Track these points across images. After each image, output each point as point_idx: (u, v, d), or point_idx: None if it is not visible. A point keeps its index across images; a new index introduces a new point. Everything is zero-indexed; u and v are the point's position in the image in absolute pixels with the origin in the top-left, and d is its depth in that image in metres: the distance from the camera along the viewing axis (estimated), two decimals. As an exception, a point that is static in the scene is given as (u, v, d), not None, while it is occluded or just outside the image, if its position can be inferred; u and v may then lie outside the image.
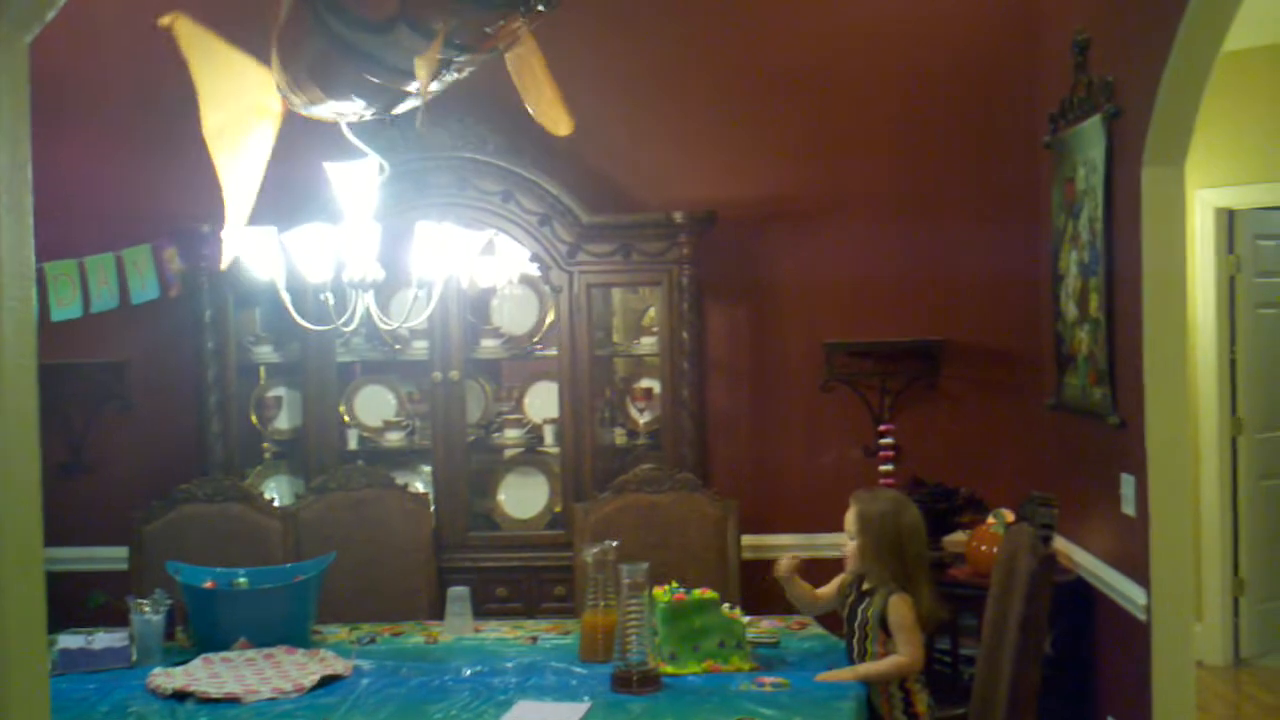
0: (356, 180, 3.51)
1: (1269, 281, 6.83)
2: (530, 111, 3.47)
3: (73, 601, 4.53)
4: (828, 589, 3.89)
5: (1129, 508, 4.36)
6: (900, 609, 3.57)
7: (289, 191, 4.61)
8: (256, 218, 3.66)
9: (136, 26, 5.50)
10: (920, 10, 5.52)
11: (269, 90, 3.50)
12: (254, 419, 5.56)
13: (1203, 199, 6.59)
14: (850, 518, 3.71)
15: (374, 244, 3.62)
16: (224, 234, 3.72)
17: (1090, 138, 4.54)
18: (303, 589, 4.04)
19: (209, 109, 3.60)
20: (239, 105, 3.58)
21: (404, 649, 4.03)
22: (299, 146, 3.85)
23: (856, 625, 3.67)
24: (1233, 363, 6.70)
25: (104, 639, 3.84)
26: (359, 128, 3.56)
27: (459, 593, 4.24)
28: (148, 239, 5.22)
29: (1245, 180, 6.56)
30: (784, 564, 3.82)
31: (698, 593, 3.70)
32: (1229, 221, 6.65)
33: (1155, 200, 4.15)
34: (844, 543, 3.73)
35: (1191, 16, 3.67)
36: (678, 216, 5.15)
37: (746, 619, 3.81)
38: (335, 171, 3.51)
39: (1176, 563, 4.19)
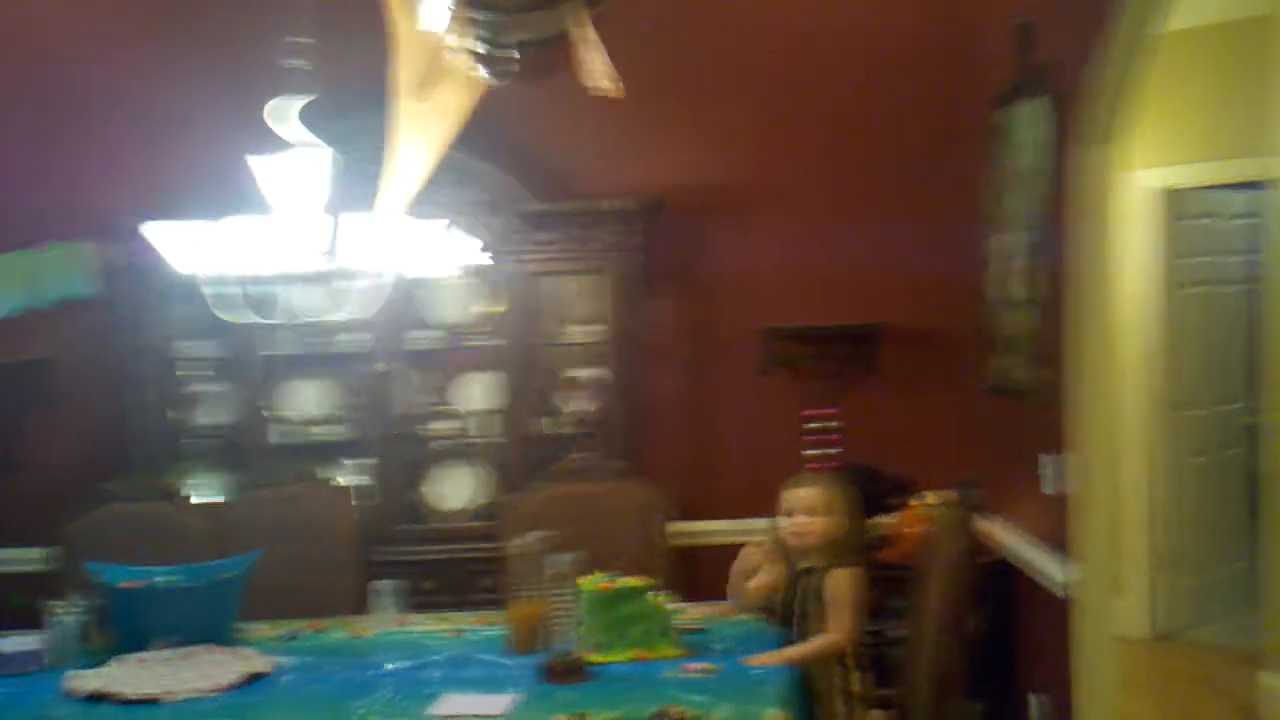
0: (290, 173, 3.40)
1: (1201, 261, 6.86)
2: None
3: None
4: (759, 580, 3.86)
5: (1053, 486, 4.37)
6: (839, 582, 3.56)
7: (221, 183, 4.51)
8: (183, 210, 3.56)
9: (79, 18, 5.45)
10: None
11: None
12: (177, 416, 5.46)
13: (1140, 177, 6.58)
14: (815, 495, 3.69)
15: (324, 236, 3.50)
16: (381, 207, 3.59)
17: (1029, 120, 4.53)
18: (225, 587, 3.96)
19: (404, 60, 3.47)
20: (435, 65, 3.43)
21: (328, 644, 3.96)
22: (233, 136, 3.75)
23: (797, 604, 3.65)
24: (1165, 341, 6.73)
25: (15, 642, 3.75)
26: (307, 117, 3.46)
27: (384, 586, 4.18)
28: (72, 234, 5.11)
29: (1184, 159, 6.56)
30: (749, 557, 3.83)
31: (623, 580, 3.66)
32: (1165, 202, 6.67)
33: (1090, 182, 4.14)
34: (798, 521, 3.70)
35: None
36: (622, 204, 5.12)
37: (673, 606, 3.77)
38: (263, 163, 3.40)
39: (1098, 540, 4.20)
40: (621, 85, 3.15)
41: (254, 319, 3.62)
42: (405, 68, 3.42)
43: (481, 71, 3.18)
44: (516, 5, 2.74)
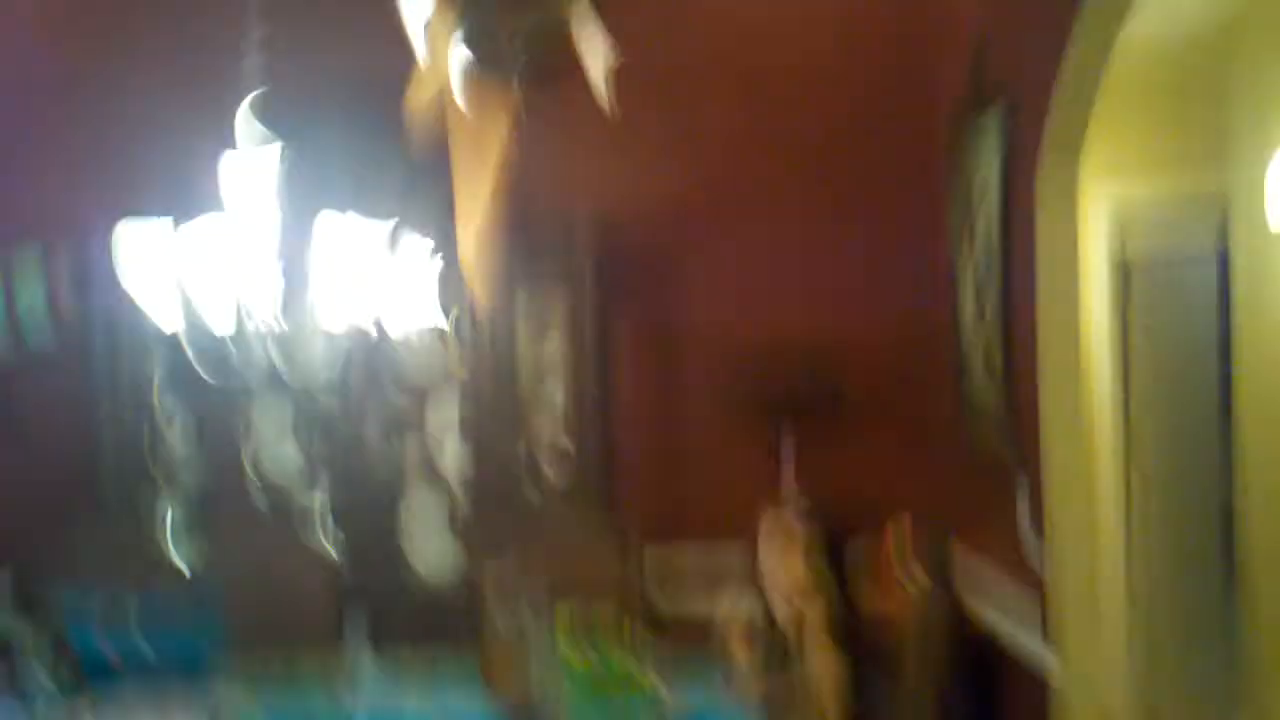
0: (253, 172, 3.40)
1: (1163, 277, 6.82)
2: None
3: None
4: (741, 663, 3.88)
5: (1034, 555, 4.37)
6: (827, 668, 3.60)
7: (188, 187, 4.48)
8: (150, 211, 3.54)
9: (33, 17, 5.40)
10: (820, 12, 5.54)
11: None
12: (148, 452, 5.37)
13: (1099, 194, 6.55)
14: (804, 575, 3.74)
15: (274, 243, 3.50)
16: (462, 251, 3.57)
17: (987, 140, 4.60)
18: (197, 634, 3.89)
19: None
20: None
21: (303, 694, 3.95)
22: (195, 136, 3.74)
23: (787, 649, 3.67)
24: (1126, 360, 6.70)
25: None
26: (259, 117, 3.46)
27: (360, 639, 4.15)
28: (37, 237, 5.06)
29: (1144, 175, 6.53)
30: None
31: (614, 661, 3.62)
32: (1124, 217, 6.66)
33: (1049, 200, 4.20)
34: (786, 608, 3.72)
35: (1087, 12, 3.73)
36: (575, 223, 5.13)
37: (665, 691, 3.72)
38: (231, 161, 3.40)
39: (1078, 609, 4.25)
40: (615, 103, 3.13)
41: (230, 379, 3.61)
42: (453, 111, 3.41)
43: (482, 71, 3.16)
44: None
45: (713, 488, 5.53)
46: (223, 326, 3.46)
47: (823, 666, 3.55)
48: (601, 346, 5.31)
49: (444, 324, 5.10)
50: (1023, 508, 4.35)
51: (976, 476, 5.04)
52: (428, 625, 5.05)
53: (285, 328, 3.54)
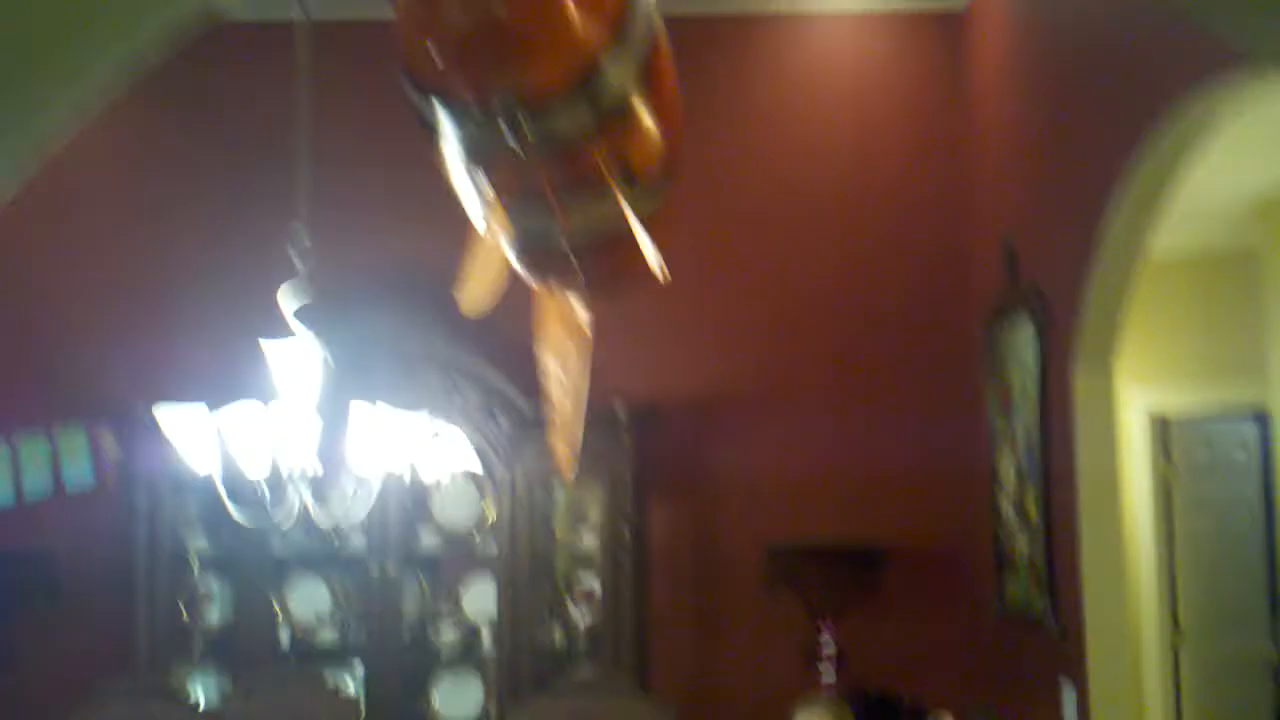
0: (294, 360, 3.50)
1: (1205, 488, 6.84)
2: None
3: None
4: None
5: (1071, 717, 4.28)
6: None
7: (228, 372, 4.61)
8: (189, 394, 3.64)
9: (75, 203, 5.64)
10: (857, 205, 5.68)
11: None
12: (184, 613, 5.41)
13: (1137, 405, 6.64)
14: None
15: (314, 434, 3.58)
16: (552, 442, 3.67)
17: (1022, 342, 4.63)
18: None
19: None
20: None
21: None
22: (238, 326, 3.86)
23: None
24: (1172, 572, 6.66)
25: None
26: (301, 312, 3.57)
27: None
28: (81, 417, 5.17)
29: (1180, 387, 6.62)
30: None
31: None
32: (1164, 428, 6.70)
33: (1087, 406, 4.21)
34: None
35: (1115, 219, 3.80)
36: (619, 410, 5.18)
37: None
38: (273, 349, 3.50)
39: None
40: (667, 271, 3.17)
41: (266, 520, 3.65)
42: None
43: (543, 277, 3.22)
44: (559, 183, 2.76)
45: (749, 677, 5.46)
46: (257, 470, 3.51)
47: None
48: (639, 534, 5.29)
49: (478, 469, 5.16)
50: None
51: (1018, 679, 4.93)
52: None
53: (319, 471, 3.57)
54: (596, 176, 2.69)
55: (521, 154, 2.55)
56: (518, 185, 2.77)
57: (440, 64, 2.47)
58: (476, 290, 2.96)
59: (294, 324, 3.57)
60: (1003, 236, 4.89)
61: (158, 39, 2.20)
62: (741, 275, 5.66)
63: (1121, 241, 3.85)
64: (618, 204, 2.75)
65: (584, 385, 3.48)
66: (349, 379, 4.74)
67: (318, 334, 3.62)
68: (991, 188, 5.30)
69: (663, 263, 2.89)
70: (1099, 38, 4.00)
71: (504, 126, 2.50)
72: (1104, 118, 3.95)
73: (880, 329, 5.62)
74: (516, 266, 3.21)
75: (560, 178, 2.71)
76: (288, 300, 3.52)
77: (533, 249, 3.04)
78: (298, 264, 3.51)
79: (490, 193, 2.79)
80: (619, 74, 2.59)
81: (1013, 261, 4.78)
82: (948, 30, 5.72)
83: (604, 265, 3.02)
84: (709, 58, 5.49)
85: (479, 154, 2.67)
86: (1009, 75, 5.11)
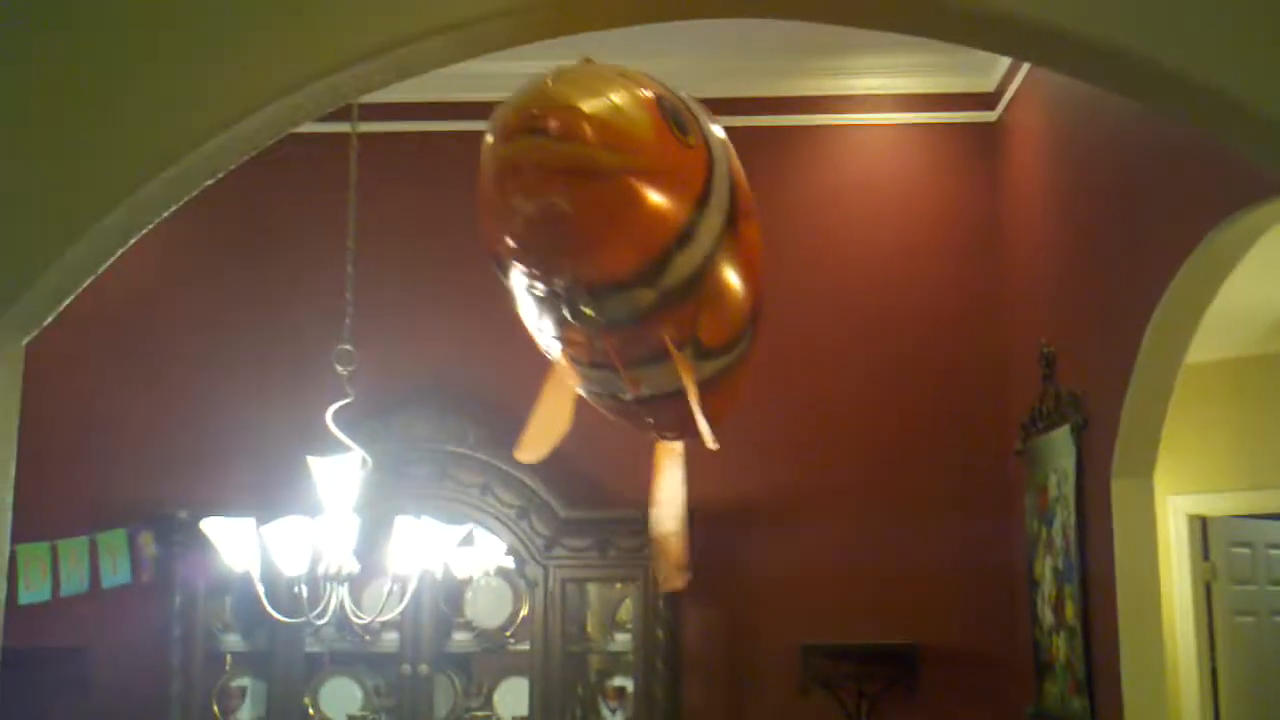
0: (338, 474, 3.53)
1: (1245, 589, 6.81)
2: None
3: None
4: None
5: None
6: None
7: (268, 481, 4.66)
8: (233, 506, 3.67)
9: (124, 314, 5.72)
10: (894, 311, 5.71)
11: None
12: (216, 710, 5.40)
13: (1175, 505, 6.65)
14: None
15: (352, 536, 3.61)
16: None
17: (1059, 448, 4.63)
18: None
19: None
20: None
21: None
22: (283, 436, 3.91)
23: None
24: (1214, 672, 6.61)
25: None
26: (341, 418, 3.61)
27: None
28: (123, 522, 5.21)
29: (1216, 488, 6.63)
30: None
31: None
32: (1202, 529, 6.69)
33: (1126, 511, 4.21)
34: None
35: (1154, 332, 3.82)
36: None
37: None
38: (318, 465, 3.53)
39: None
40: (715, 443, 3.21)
41: (303, 618, 3.67)
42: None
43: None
44: (625, 353, 2.79)
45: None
46: (295, 569, 3.53)
47: None
48: (673, 634, 5.27)
49: (509, 564, 5.17)
50: None
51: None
52: None
53: (356, 569, 3.59)
54: (659, 346, 2.73)
55: (584, 330, 2.58)
56: (586, 351, 2.81)
57: (509, 244, 2.51)
58: (538, 441, 3.02)
59: (336, 431, 3.61)
60: (1039, 344, 4.90)
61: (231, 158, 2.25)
62: (778, 380, 5.67)
63: (1160, 351, 3.87)
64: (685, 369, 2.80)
65: (681, 504, 3.55)
66: (388, 479, 4.79)
67: (358, 437, 3.65)
68: (1027, 295, 5.33)
69: (713, 434, 2.94)
70: (1136, 154, 4.04)
71: (566, 308, 2.53)
72: (1144, 233, 3.98)
73: (917, 433, 5.62)
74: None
75: (626, 348, 2.75)
76: (335, 418, 3.56)
77: (603, 401, 3.09)
78: (345, 386, 3.53)
79: (560, 350, 2.82)
80: (690, 257, 2.63)
81: (1050, 368, 4.79)
82: (982, 140, 5.79)
83: (674, 414, 3.05)
84: (746, 167, 5.55)
85: (547, 320, 2.70)
86: (1044, 185, 5.17)
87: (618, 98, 2.46)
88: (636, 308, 2.67)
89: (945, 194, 5.83)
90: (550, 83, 2.44)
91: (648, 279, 2.62)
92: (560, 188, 2.38)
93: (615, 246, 2.54)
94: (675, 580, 3.72)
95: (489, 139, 2.45)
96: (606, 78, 2.53)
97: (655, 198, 2.50)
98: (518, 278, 2.62)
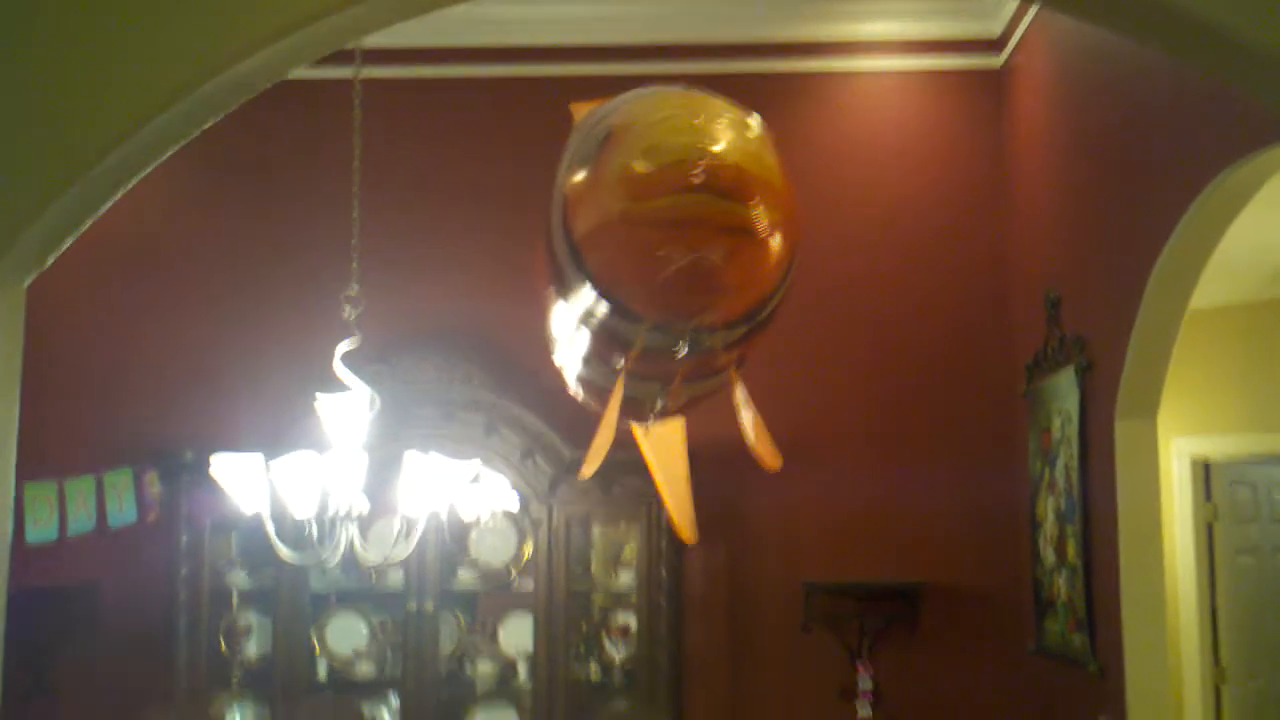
0: (346, 413, 3.54)
1: (1247, 529, 6.85)
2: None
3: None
4: None
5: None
6: None
7: (274, 420, 4.67)
8: (239, 444, 3.68)
9: (131, 254, 5.72)
10: (899, 257, 5.70)
11: None
12: (223, 645, 5.46)
13: (1179, 447, 6.67)
14: None
15: (361, 474, 3.62)
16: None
17: (1064, 390, 4.64)
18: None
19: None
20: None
21: None
22: (289, 377, 3.91)
23: None
24: (1214, 611, 6.66)
25: None
26: (348, 359, 3.61)
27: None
28: (129, 461, 5.24)
29: (1220, 430, 6.65)
30: None
31: None
32: (1205, 471, 6.72)
33: (1129, 451, 4.22)
34: None
35: (1159, 276, 3.82)
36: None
37: None
38: (326, 403, 3.54)
39: None
40: (778, 456, 3.24)
41: (311, 558, 3.69)
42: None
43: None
44: (690, 374, 2.89)
45: (785, 713, 5.50)
46: (305, 510, 3.54)
47: None
48: (676, 573, 5.31)
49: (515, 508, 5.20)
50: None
51: (1050, 693, 4.93)
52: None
53: (366, 510, 3.61)
54: (722, 368, 2.81)
55: (681, 359, 2.65)
56: (651, 370, 2.88)
57: (646, 287, 2.53)
58: (599, 457, 3.10)
59: (343, 372, 3.61)
60: (1045, 288, 4.89)
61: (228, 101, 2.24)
62: (784, 325, 5.62)
63: (1165, 294, 3.86)
64: (722, 381, 2.89)
65: (684, 463, 3.60)
66: (394, 421, 4.81)
67: (365, 378, 3.65)
68: (1033, 240, 5.31)
69: (773, 449, 3.01)
70: (1142, 99, 4.01)
71: (682, 344, 2.59)
72: (1150, 177, 3.97)
73: (922, 376, 5.63)
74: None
75: (694, 371, 2.83)
76: (342, 359, 3.56)
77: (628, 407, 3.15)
78: (353, 327, 3.54)
79: (619, 366, 2.87)
80: (779, 296, 2.74)
81: (1055, 312, 4.79)
82: (986, 86, 5.75)
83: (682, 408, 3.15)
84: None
85: (632, 346, 2.76)
86: (1048, 131, 5.13)
87: (758, 144, 2.54)
88: (731, 338, 2.81)
89: (951, 139, 5.79)
90: (700, 123, 2.47)
91: (755, 315, 2.77)
92: (721, 246, 2.45)
93: (750, 293, 2.67)
94: (687, 536, 3.79)
95: (633, 167, 2.46)
96: (738, 121, 2.59)
97: (787, 244, 2.61)
98: (627, 316, 2.65)
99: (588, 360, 3.14)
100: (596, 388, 3.36)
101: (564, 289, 2.84)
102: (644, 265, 2.53)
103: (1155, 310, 3.90)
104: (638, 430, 3.76)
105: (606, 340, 2.90)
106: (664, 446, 3.87)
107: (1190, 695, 6.55)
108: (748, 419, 3.00)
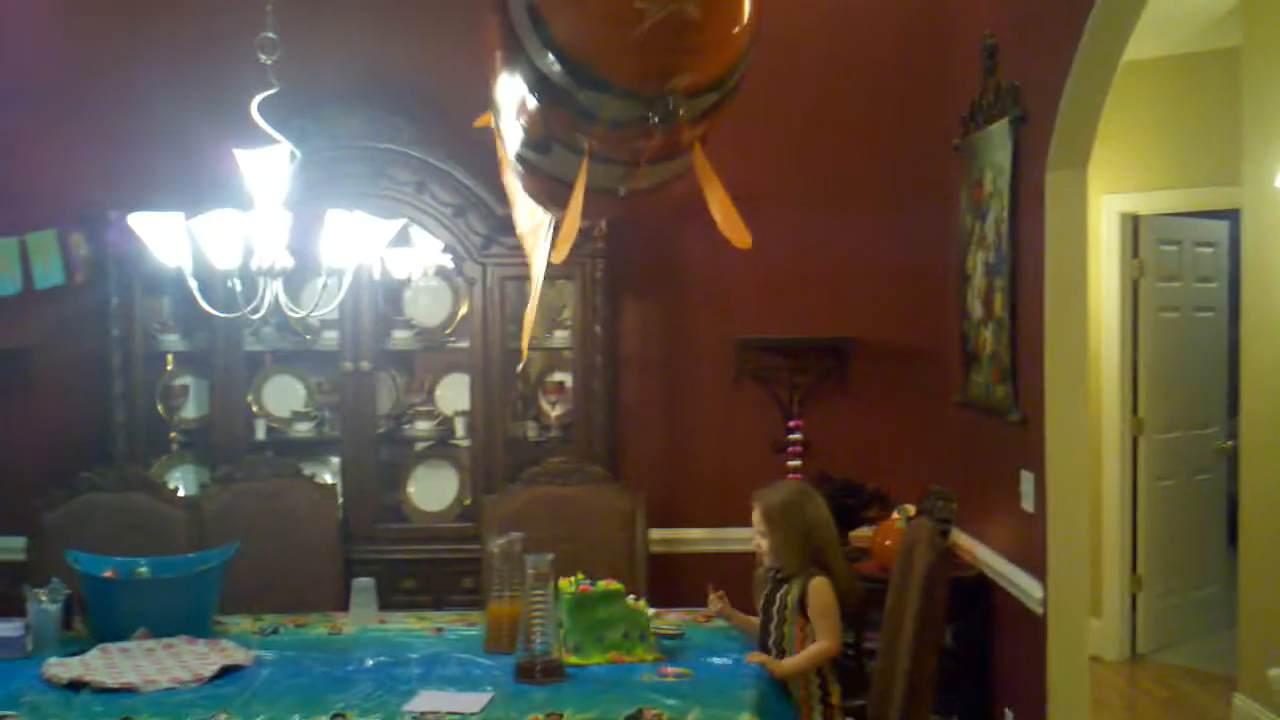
0: (267, 167, 3.47)
1: (1171, 286, 6.99)
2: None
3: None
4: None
5: (1028, 504, 4.45)
6: (821, 592, 3.58)
7: (198, 177, 4.57)
8: (163, 203, 3.61)
9: (57, 13, 5.48)
10: (834, 7, 5.57)
11: None
12: (160, 408, 5.48)
13: (1108, 204, 6.74)
14: (756, 517, 3.74)
15: (284, 232, 3.58)
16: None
17: (997, 141, 4.63)
18: (205, 579, 3.99)
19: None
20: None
21: (307, 639, 3.99)
22: (208, 131, 3.81)
23: (774, 611, 3.69)
24: (1135, 365, 6.85)
25: (-1, 628, 3.77)
26: (269, 114, 3.52)
27: (364, 583, 4.21)
28: (53, 223, 5.14)
29: (1150, 187, 6.72)
30: (713, 605, 3.94)
31: (603, 584, 3.71)
32: (1134, 226, 6.81)
33: (1058, 203, 4.25)
34: (755, 539, 3.77)
35: (1094, 24, 3.77)
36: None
37: (651, 611, 3.83)
38: (246, 158, 3.46)
39: (1073, 558, 4.30)
40: (749, 236, 3.18)
41: (238, 313, 3.67)
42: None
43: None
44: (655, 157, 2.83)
45: (717, 466, 5.62)
46: (229, 265, 3.52)
47: (821, 590, 3.58)
48: (611, 330, 5.36)
49: (448, 263, 5.18)
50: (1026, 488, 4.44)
51: (979, 468, 5.10)
52: (433, 579, 5.20)
53: (289, 264, 3.60)
54: (687, 146, 2.75)
55: (659, 132, 2.58)
56: (614, 152, 2.80)
57: (616, 48, 2.44)
58: (565, 248, 3.03)
59: (263, 124, 3.52)
60: (982, 35, 4.82)
61: None
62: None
63: (1100, 43, 3.82)
64: (686, 165, 2.83)
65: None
66: (320, 178, 4.72)
67: (289, 137, 3.57)
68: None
69: (742, 226, 2.96)
70: None
71: (656, 111, 2.54)
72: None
73: (857, 130, 5.58)
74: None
75: (659, 152, 2.76)
76: (260, 114, 3.46)
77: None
78: (270, 76, 3.42)
79: (584, 146, 2.79)
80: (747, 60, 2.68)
81: (992, 62, 4.73)
82: None
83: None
84: None
85: (595, 121, 2.67)
86: None
87: None
88: (703, 108, 2.71)
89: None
90: None
91: (726, 80, 2.69)
92: None
93: (725, 53, 2.59)
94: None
95: None
96: None
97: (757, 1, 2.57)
98: (597, 87, 2.58)
99: (541, 145, 3.06)
100: (546, 177, 3.28)
101: (516, 58, 2.74)
102: (616, 21, 2.45)
103: (1090, 59, 3.86)
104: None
105: (567, 118, 2.82)
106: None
107: (1109, 446, 6.80)
108: (714, 197, 2.97)
